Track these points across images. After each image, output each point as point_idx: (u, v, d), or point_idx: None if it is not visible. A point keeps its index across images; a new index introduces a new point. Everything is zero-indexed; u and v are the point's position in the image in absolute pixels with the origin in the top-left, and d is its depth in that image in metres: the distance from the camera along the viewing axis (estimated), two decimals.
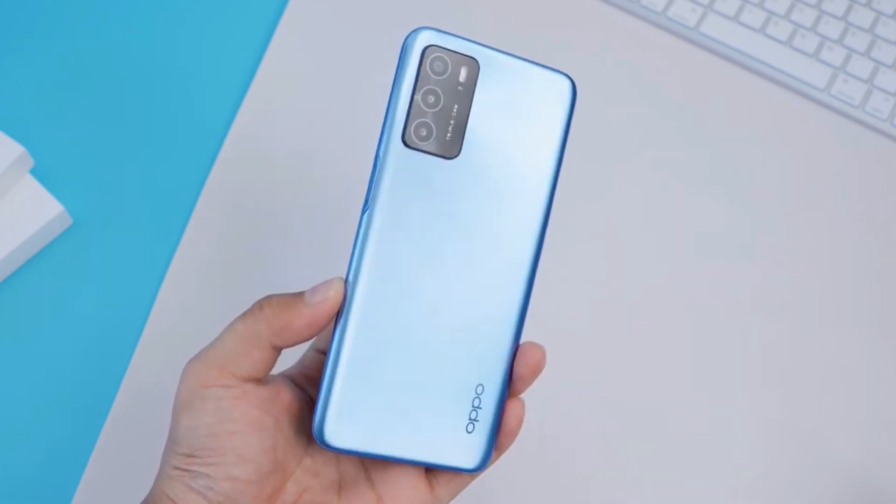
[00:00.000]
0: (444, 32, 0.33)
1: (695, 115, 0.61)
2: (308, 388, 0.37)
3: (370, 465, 0.36)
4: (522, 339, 0.35)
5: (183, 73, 0.60)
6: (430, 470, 0.36)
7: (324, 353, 0.38)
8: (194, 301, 0.53)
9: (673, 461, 0.52)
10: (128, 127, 0.58)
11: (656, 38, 0.64)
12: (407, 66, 0.33)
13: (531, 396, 0.52)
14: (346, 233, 0.56)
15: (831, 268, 0.58)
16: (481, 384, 0.34)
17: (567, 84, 0.35)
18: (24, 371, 0.51)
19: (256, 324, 0.33)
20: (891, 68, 0.63)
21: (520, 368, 0.35)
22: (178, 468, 0.33)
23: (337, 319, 0.33)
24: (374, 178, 0.33)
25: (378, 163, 0.33)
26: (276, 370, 0.37)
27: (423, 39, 0.33)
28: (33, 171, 0.56)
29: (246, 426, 0.33)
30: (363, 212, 0.33)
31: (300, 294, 0.34)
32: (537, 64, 0.35)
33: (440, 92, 0.33)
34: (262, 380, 0.34)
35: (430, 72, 0.33)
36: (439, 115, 0.33)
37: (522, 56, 0.36)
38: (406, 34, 0.62)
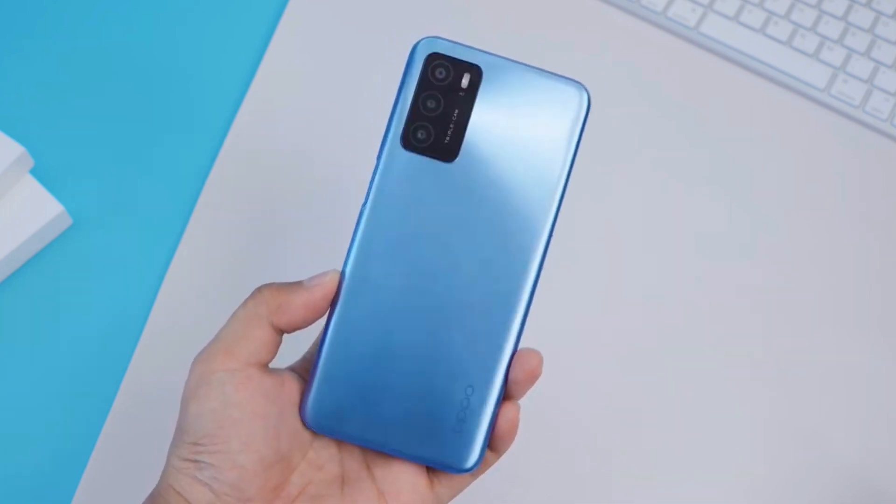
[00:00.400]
0: (451, 42, 0.35)
1: (695, 115, 0.61)
2: None
3: (372, 460, 0.36)
4: (524, 344, 0.35)
5: (183, 73, 0.60)
6: (431, 468, 0.36)
7: None
8: (194, 301, 0.53)
9: (673, 461, 0.52)
10: (128, 127, 0.58)
11: (656, 38, 0.64)
12: (410, 73, 0.34)
13: (531, 396, 0.52)
14: (345, 232, 0.55)
15: (831, 268, 0.58)
16: (471, 385, 0.35)
17: (577, 92, 0.35)
18: (24, 371, 0.51)
19: (256, 306, 0.35)
20: (891, 68, 0.63)
21: (515, 373, 0.35)
22: (184, 459, 0.33)
23: (331, 311, 0.35)
24: (372, 178, 0.35)
25: (377, 164, 0.35)
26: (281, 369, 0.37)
27: (428, 47, 0.34)
28: (33, 171, 0.56)
29: (250, 413, 0.33)
30: (361, 209, 0.35)
31: (297, 281, 0.35)
32: (550, 73, 0.35)
33: (441, 97, 0.34)
34: (265, 365, 0.35)
35: (431, 78, 0.34)
36: (439, 119, 0.34)
37: (538, 66, 0.36)
38: (406, 35, 0.62)
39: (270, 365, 0.36)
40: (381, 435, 0.34)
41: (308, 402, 0.35)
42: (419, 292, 0.34)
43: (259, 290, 0.35)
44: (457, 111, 0.34)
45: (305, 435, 0.36)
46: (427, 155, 0.34)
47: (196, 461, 0.33)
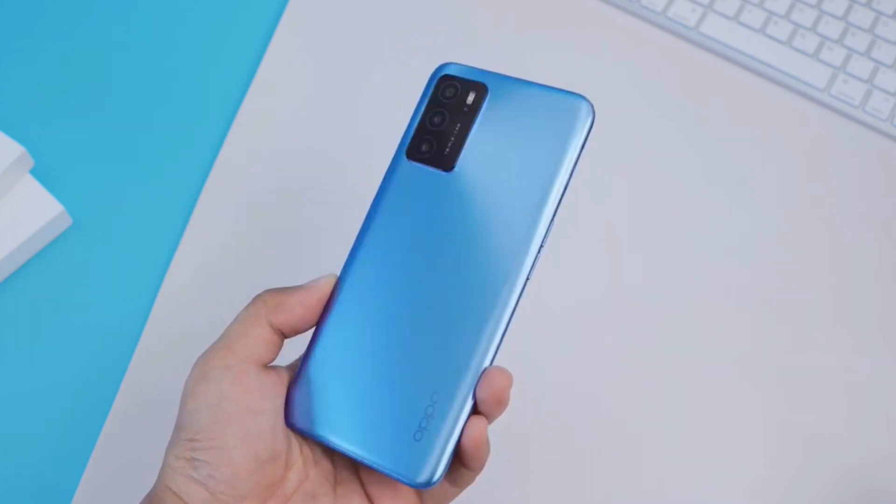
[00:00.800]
0: (467, 66, 0.37)
1: (695, 115, 0.61)
2: None
3: (360, 464, 0.36)
4: (505, 360, 0.35)
5: (183, 73, 0.60)
6: None
7: None
8: (194, 301, 0.53)
9: (673, 461, 0.52)
10: (128, 127, 0.58)
11: (656, 38, 0.64)
12: (424, 94, 0.37)
13: (526, 397, 0.52)
14: (345, 233, 0.55)
15: (831, 268, 0.58)
16: (435, 396, 0.33)
17: (578, 105, 0.35)
18: (24, 371, 0.51)
19: (255, 306, 0.35)
20: (891, 68, 0.63)
21: (480, 392, 0.33)
22: (180, 458, 0.33)
23: (323, 313, 0.36)
24: (379, 187, 0.36)
25: (385, 175, 0.37)
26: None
27: (442, 70, 0.37)
28: (33, 171, 0.56)
29: (245, 408, 0.33)
30: (365, 217, 0.36)
31: (298, 285, 0.36)
32: (554, 88, 0.36)
33: (446, 113, 0.36)
34: (264, 364, 0.35)
35: (441, 97, 0.37)
36: (442, 132, 0.36)
37: (549, 84, 0.37)
38: (406, 35, 0.62)
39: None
40: (347, 439, 0.34)
41: (286, 398, 0.35)
42: (402, 301, 0.35)
43: (260, 293, 0.36)
44: (459, 125, 0.36)
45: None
46: (427, 164, 0.36)
47: (192, 459, 0.33)
